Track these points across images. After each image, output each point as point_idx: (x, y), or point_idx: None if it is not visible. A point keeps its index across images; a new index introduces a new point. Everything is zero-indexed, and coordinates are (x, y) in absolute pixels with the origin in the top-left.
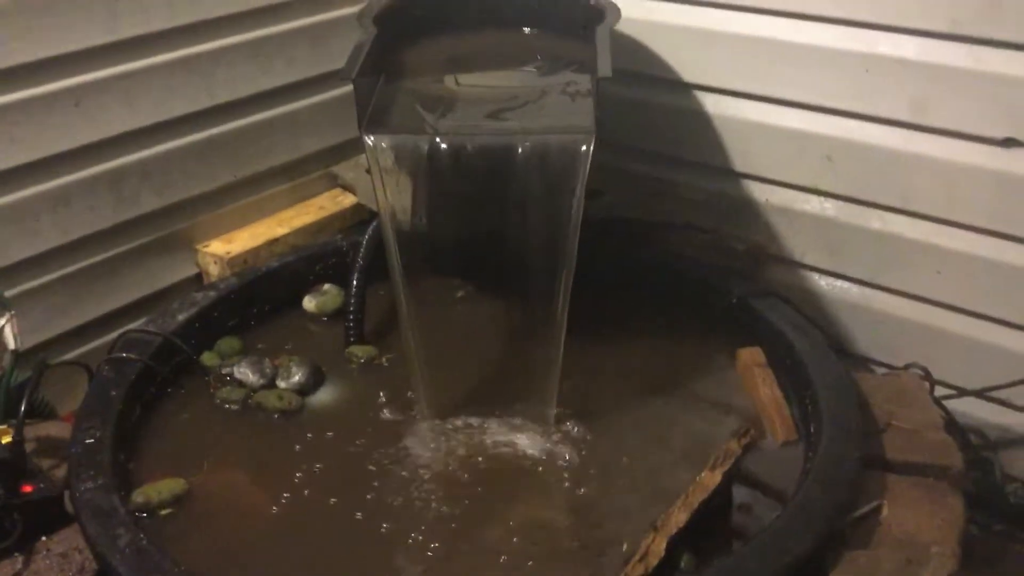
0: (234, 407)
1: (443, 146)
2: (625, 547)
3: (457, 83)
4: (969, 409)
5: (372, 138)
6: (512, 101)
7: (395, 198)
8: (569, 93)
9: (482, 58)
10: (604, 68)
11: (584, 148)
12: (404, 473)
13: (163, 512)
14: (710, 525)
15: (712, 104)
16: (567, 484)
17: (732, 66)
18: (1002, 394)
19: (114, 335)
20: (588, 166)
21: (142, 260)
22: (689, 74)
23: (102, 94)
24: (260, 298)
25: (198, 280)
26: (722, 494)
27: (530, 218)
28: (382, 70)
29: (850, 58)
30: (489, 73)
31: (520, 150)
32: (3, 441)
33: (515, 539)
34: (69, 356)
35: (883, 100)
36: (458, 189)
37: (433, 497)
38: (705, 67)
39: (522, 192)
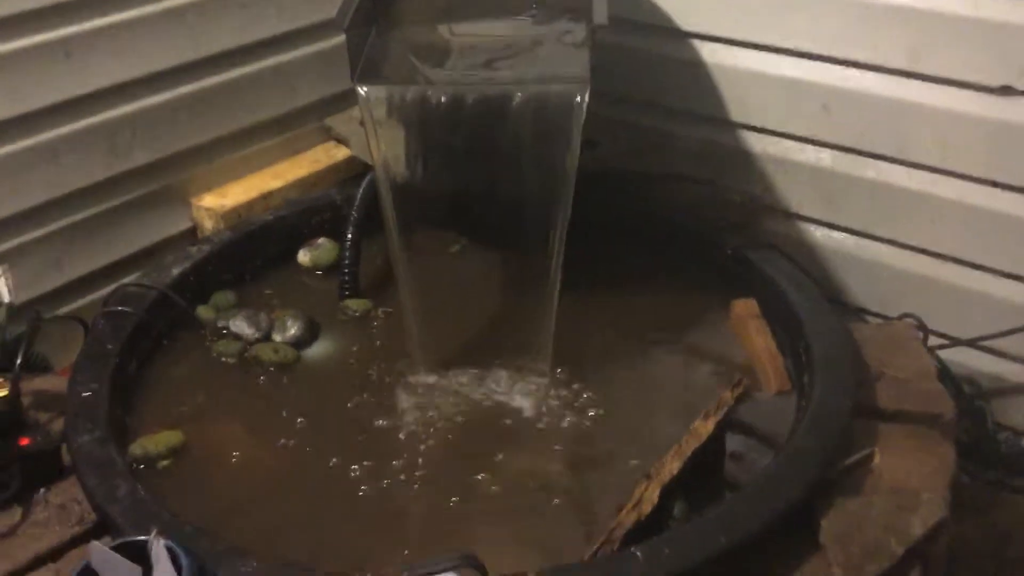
0: (230, 360)
1: (437, 96)
2: (618, 496)
3: (451, 32)
4: (962, 359)
5: (365, 89)
6: (506, 50)
7: (389, 150)
8: (564, 42)
9: (476, 7)
10: (600, 16)
11: (579, 98)
12: (398, 426)
13: (161, 464)
14: (703, 474)
15: (708, 53)
16: (561, 435)
17: (728, 14)
18: (995, 343)
19: (109, 289)
20: (583, 116)
21: (136, 214)
22: (685, 22)
23: (93, 45)
24: (254, 252)
25: (193, 234)
26: (715, 443)
27: (525, 169)
28: (375, 20)
29: (848, 5)
30: (483, 22)
31: (514, 100)
32: (0, 395)
33: (509, 490)
34: (64, 310)
35: (880, 48)
36: (452, 140)
37: (427, 449)
38: (701, 15)
39: (516, 143)
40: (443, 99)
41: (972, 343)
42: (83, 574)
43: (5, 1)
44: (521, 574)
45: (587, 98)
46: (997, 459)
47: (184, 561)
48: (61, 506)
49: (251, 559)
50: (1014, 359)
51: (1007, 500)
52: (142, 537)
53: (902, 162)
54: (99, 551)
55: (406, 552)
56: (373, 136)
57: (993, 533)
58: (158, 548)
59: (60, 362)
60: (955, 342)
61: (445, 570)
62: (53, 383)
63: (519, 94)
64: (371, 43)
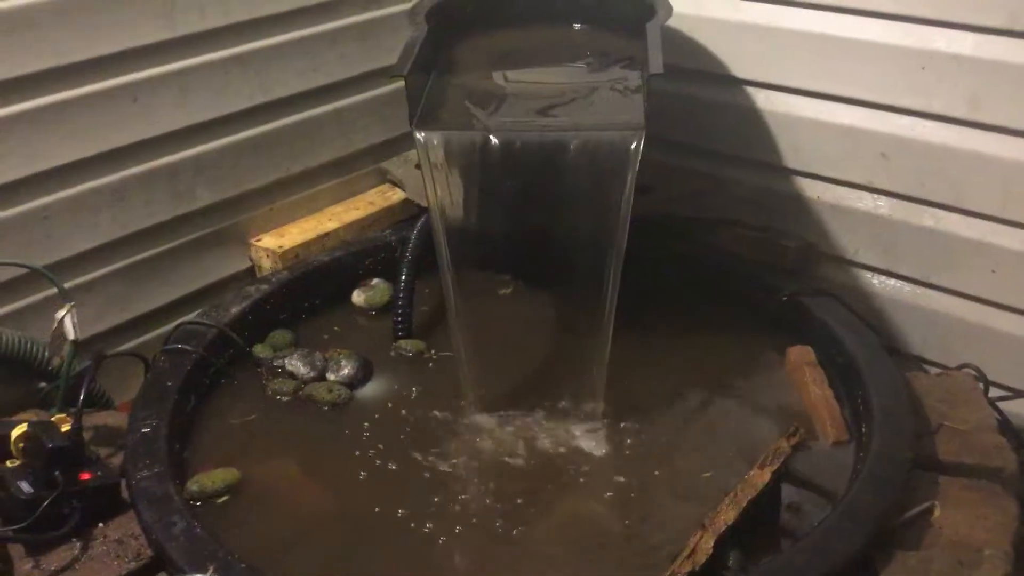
0: (285, 399)
1: (493, 142)
2: (671, 544)
3: (507, 79)
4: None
5: (423, 134)
6: (562, 97)
7: (445, 193)
8: (619, 89)
9: (532, 54)
10: (656, 65)
11: (634, 144)
12: (451, 466)
13: (217, 501)
14: (758, 524)
15: (764, 100)
16: (613, 480)
17: (785, 62)
18: None
19: (168, 327)
20: (638, 162)
21: (197, 253)
22: (740, 70)
23: (159, 90)
24: (310, 292)
25: (250, 273)
26: (771, 493)
27: (579, 214)
28: (433, 66)
29: (906, 54)
30: (539, 69)
31: (570, 146)
32: (63, 429)
33: (561, 534)
34: (124, 347)
35: (939, 96)
36: (508, 185)
37: (479, 490)
38: (757, 63)
39: (572, 188)
40: (499, 145)
41: None
42: None
43: (76, 48)
44: None
45: (642, 144)
46: None
47: None
48: (119, 541)
49: None
50: None
51: None
52: (199, 575)
53: (961, 211)
54: None
55: None
56: (429, 180)
57: None
58: None
59: (120, 398)
60: (1016, 394)
61: None
62: (114, 418)
63: (575, 140)
64: (429, 89)
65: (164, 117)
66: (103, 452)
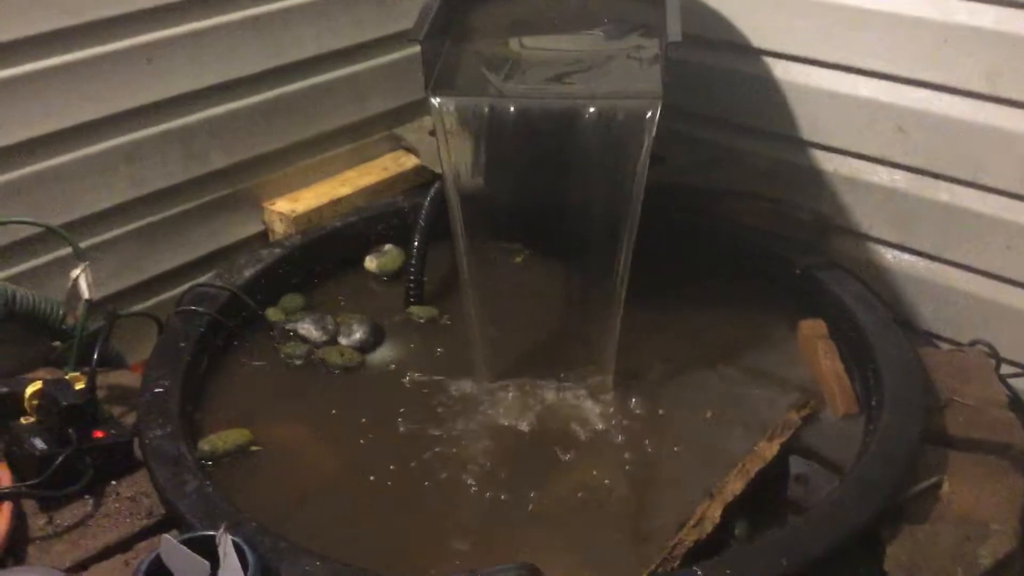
0: (297, 362)
1: (509, 109)
2: (679, 513)
3: (522, 46)
4: None
5: (439, 100)
6: (577, 64)
7: (459, 160)
8: (635, 57)
9: (547, 21)
10: (674, 33)
11: (650, 113)
12: (460, 432)
13: (228, 461)
14: (766, 495)
15: (781, 71)
16: (622, 449)
17: (804, 32)
18: None
19: (181, 289)
20: (654, 131)
21: (210, 216)
22: (758, 39)
23: (174, 51)
24: (323, 256)
25: (264, 237)
26: (779, 465)
27: (593, 183)
28: (448, 32)
29: (927, 27)
30: (554, 36)
31: (586, 114)
32: (77, 388)
33: (569, 501)
34: (137, 308)
35: (958, 70)
36: (522, 152)
37: (489, 456)
38: (775, 33)
39: (586, 156)
40: (515, 112)
41: None
42: (153, 565)
43: (90, 8)
44: None
45: (658, 113)
46: None
47: (250, 558)
48: (131, 498)
49: (314, 558)
50: None
51: None
52: (211, 532)
53: (977, 186)
54: (169, 544)
55: (458, 558)
56: (444, 146)
57: None
58: (226, 544)
59: (133, 357)
60: None
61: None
62: (127, 378)
63: (591, 108)
64: (444, 54)
65: (178, 78)
66: (116, 411)
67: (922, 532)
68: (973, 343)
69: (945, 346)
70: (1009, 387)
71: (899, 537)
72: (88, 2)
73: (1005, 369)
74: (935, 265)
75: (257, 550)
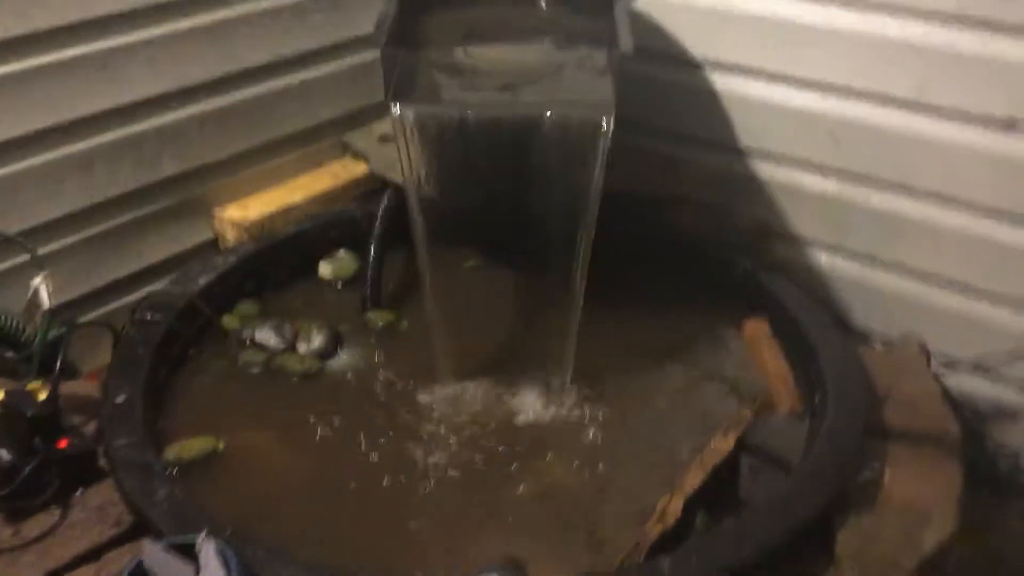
0: (255, 370)
1: (469, 117)
2: (640, 508)
3: (475, 55)
4: (962, 382)
5: (399, 107)
6: (529, 74)
7: (419, 167)
8: (585, 68)
9: (497, 30)
10: (626, 44)
11: (605, 122)
12: (423, 434)
13: (194, 468)
14: (721, 488)
15: (721, 82)
16: (582, 447)
17: (741, 45)
18: (994, 367)
19: (133, 298)
20: (609, 140)
21: (161, 224)
22: (699, 52)
23: (127, 59)
24: (277, 263)
25: (214, 245)
26: (732, 459)
27: (550, 190)
28: (403, 41)
29: (858, 39)
30: (505, 45)
31: (543, 122)
32: (40, 397)
33: (532, 499)
34: (88, 317)
35: (889, 81)
36: (481, 159)
37: (449, 457)
38: (715, 46)
39: (543, 164)
40: (475, 120)
41: (973, 367)
42: (135, 572)
43: (44, 14)
44: None
45: (612, 123)
46: (996, 480)
47: (233, 562)
48: (99, 508)
49: (291, 562)
50: (1012, 383)
51: (1002, 521)
52: (190, 538)
53: (908, 190)
54: (152, 550)
55: (426, 556)
56: (404, 152)
57: (988, 553)
58: (207, 549)
59: (85, 367)
60: (956, 365)
61: (492, 572)
62: (82, 387)
63: (548, 117)
64: (400, 63)
65: (132, 85)
66: (75, 420)
67: (869, 520)
68: (905, 339)
69: (877, 344)
70: (940, 382)
71: (848, 525)
72: (41, 9)
73: (936, 365)
74: (867, 266)
75: (237, 555)
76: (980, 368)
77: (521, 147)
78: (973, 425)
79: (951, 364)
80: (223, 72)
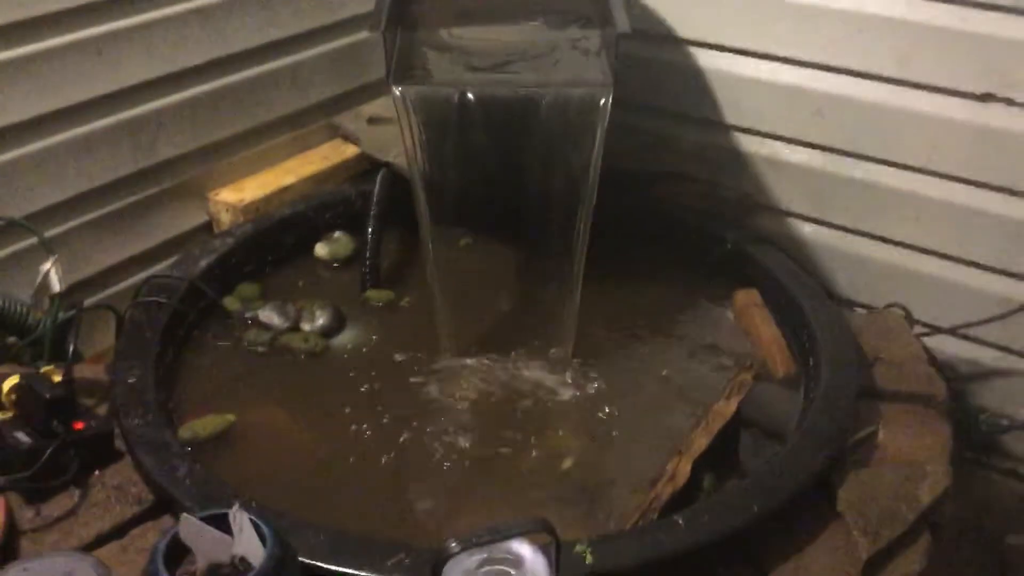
0: (260, 349)
1: (468, 97)
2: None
3: (469, 36)
4: (943, 346)
5: (400, 88)
6: (525, 54)
7: (421, 147)
8: (580, 48)
9: (490, 11)
10: (622, 24)
11: (603, 101)
12: (428, 407)
13: (210, 446)
14: (725, 450)
15: (707, 60)
16: (587, 418)
17: (728, 23)
18: (973, 331)
19: (130, 282)
20: (607, 118)
21: (156, 208)
22: (685, 30)
23: (123, 44)
24: (274, 245)
25: (208, 228)
26: (734, 421)
27: (550, 168)
28: (400, 22)
29: (841, 16)
30: (497, 26)
31: (543, 101)
32: (55, 380)
33: (540, 468)
34: (88, 301)
35: (872, 57)
36: (482, 139)
37: (455, 429)
38: (701, 24)
39: (544, 142)
40: (473, 100)
41: (953, 331)
42: (171, 544)
43: (40, 2)
44: (575, 541)
45: (611, 101)
46: (977, 439)
47: (267, 531)
48: (117, 487)
49: (321, 531)
50: (991, 346)
51: (985, 477)
52: (222, 510)
53: (889, 163)
54: (190, 522)
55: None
56: (407, 133)
57: (972, 506)
58: (241, 520)
59: (87, 351)
60: (936, 330)
61: (520, 532)
62: (88, 370)
63: (547, 96)
64: (399, 44)
65: (128, 70)
66: (85, 403)
67: (867, 475)
68: (889, 306)
69: (860, 311)
70: (924, 346)
71: (847, 481)
72: None
73: (918, 330)
74: (850, 236)
75: (271, 524)
76: (959, 332)
77: (520, 126)
78: (955, 387)
79: (933, 329)
80: (216, 56)
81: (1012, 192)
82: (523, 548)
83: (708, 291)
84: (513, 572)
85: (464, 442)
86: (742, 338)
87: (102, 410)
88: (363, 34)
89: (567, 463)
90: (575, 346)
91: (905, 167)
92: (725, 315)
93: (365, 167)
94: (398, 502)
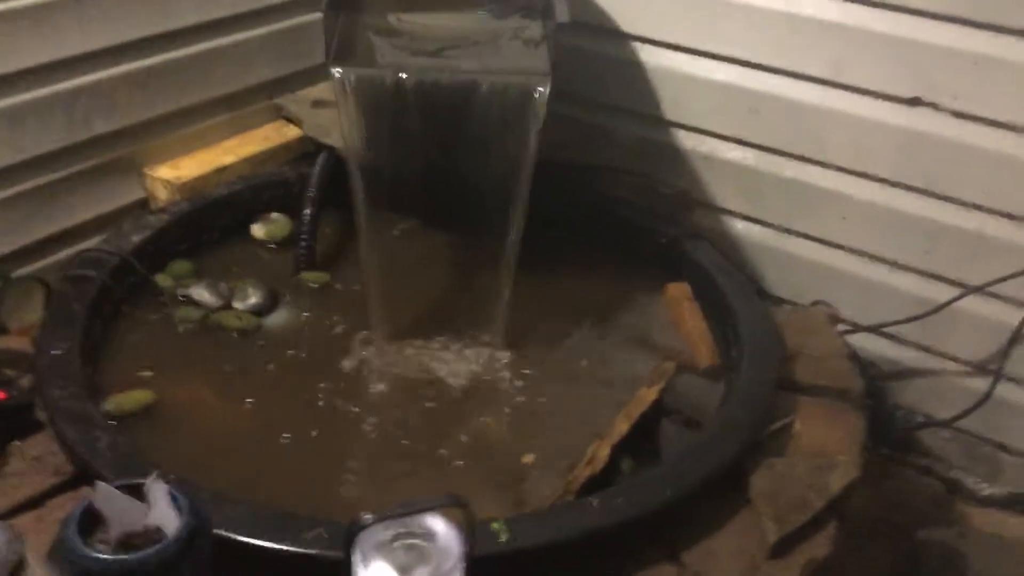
0: (191, 326)
1: (407, 81)
2: (569, 456)
3: (411, 21)
4: (864, 343)
5: (339, 71)
6: (466, 41)
7: (358, 130)
8: (521, 37)
9: None
10: (562, 14)
11: (541, 90)
12: (357, 389)
13: (133, 420)
14: (645, 436)
15: (647, 55)
16: (514, 403)
17: (667, 19)
18: (894, 330)
19: (62, 256)
20: (544, 107)
21: (91, 182)
22: (626, 24)
23: (59, 14)
24: (210, 224)
25: (143, 204)
26: (655, 409)
27: (487, 156)
28: (343, 5)
29: (778, 17)
30: (441, 14)
31: (480, 89)
32: None
33: (466, 450)
34: (18, 273)
35: (806, 58)
36: (418, 124)
37: (383, 412)
38: (641, 19)
39: (480, 130)
40: (412, 84)
41: (874, 329)
42: (85, 512)
43: None
44: (492, 519)
45: (548, 91)
46: (894, 435)
47: (183, 502)
48: (37, 458)
49: (238, 504)
50: (910, 345)
51: (900, 473)
52: (139, 480)
53: (819, 163)
54: (104, 490)
55: (362, 501)
56: (345, 116)
57: (886, 501)
58: (157, 490)
59: (13, 324)
60: (858, 328)
61: (434, 507)
62: (12, 342)
63: (485, 83)
64: (340, 27)
65: (64, 42)
66: (8, 375)
67: (780, 464)
68: (815, 303)
69: (788, 308)
70: (845, 342)
71: (760, 469)
72: None
73: (841, 327)
74: (781, 234)
75: (188, 495)
76: (880, 331)
77: (458, 112)
78: (874, 384)
79: (856, 327)
80: (155, 31)
81: (933, 194)
82: (437, 523)
83: (640, 284)
84: (426, 545)
85: (390, 425)
86: (671, 330)
87: (26, 383)
88: (308, 16)
89: (493, 448)
90: (506, 334)
91: (834, 167)
92: (656, 308)
93: (308, 149)
94: (321, 482)
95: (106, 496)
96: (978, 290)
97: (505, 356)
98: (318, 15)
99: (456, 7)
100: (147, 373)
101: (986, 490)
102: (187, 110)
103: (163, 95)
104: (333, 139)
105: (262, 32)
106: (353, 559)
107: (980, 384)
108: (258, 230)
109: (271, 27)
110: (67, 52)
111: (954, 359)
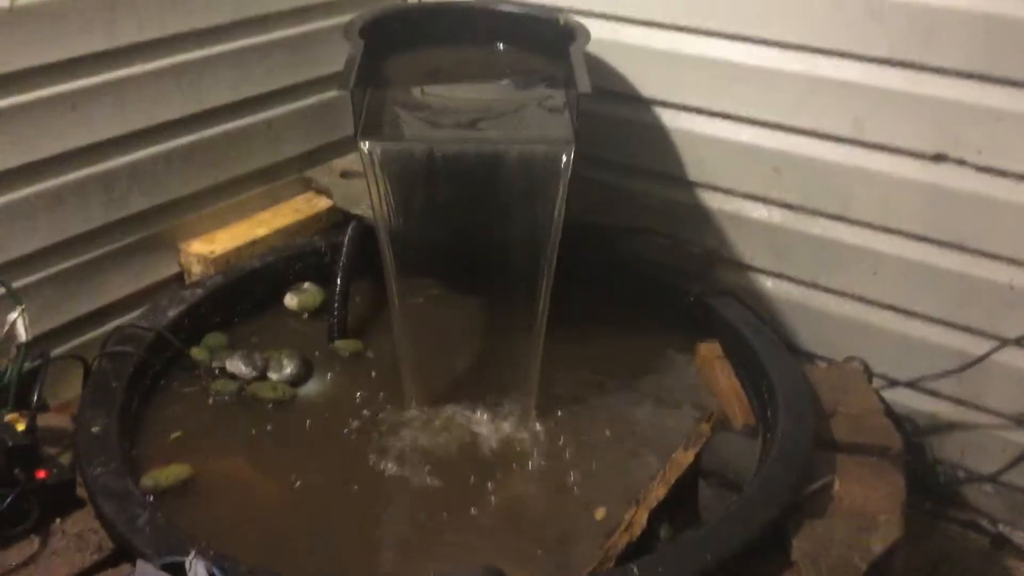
0: (227, 398)
1: (434, 152)
2: (601, 520)
3: (438, 94)
4: (901, 399)
5: (367, 144)
6: (491, 112)
7: (387, 201)
8: (545, 107)
9: (459, 71)
10: (583, 84)
11: (565, 157)
12: (395, 458)
13: (171, 495)
14: (683, 499)
15: (670, 119)
16: (549, 467)
17: (689, 84)
18: (930, 384)
19: (100, 331)
20: (569, 174)
21: (128, 259)
22: (650, 91)
23: (97, 99)
24: (244, 296)
25: (179, 279)
26: (693, 471)
27: (514, 222)
28: (370, 81)
29: (799, 79)
30: (468, 86)
31: (506, 157)
32: (18, 428)
33: (504, 516)
34: (57, 351)
35: (828, 117)
36: (447, 193)
37: (422, 479)
38: (664, 85)
39: (507, 198)
40: (439, 156)
41: (910, 384)
42: None
43: (17, 56)
44: None
45: (572, 157)
46: (935, 490)
47: None
48: (78, 535)
49: None
50: (948, 399)
51: (942, 528)
52: (179, 559)
53: (846, 220)
54: (145, 569)
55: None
56: (374, 187)
57: (932, 557)
58: (198, 568)
59: (53, 400)
60: (894, 383)
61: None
62: (55, 419)
63: (511, 152)
64: (368, 102)
65: (101, 125)
66: (48, 452)
67: (821, 525)
68: (848, 359)
69: (821, 364)
70: (881, 398)
71: (802, 531)
72: (18, 52)
73: (876, 383)
74: (810, 291)
75: (227, 573)
76: (917, 385)
77: (485, 181)
78: (913, 439)
79: (891, 382)
80: (189, 111)
81: (963, 248)
82: None
83: (671, 343)
84: None
85: (428, 493)
86: (703, 389)
87: (66, 459)
88: (336, 91)
89: (529, 514)
90: (539, 397)
91: (862, 224)
92: (687, 367)
93: (337, 219)
94: (360, 553)
95: (148, 575)
96: (1015, 342)
97: (538, 420)
98: (341, 92)
99: (481, 79)
100: (183, 447)
101: None
102: (221, 186)
103: (198, 172)
104: (362, 208)
105: (292, 108)
106: None
107: (1021, 437)
108: (291, 300)
109: (300, 103)
110: (105, 135)
111: (993, 412)
